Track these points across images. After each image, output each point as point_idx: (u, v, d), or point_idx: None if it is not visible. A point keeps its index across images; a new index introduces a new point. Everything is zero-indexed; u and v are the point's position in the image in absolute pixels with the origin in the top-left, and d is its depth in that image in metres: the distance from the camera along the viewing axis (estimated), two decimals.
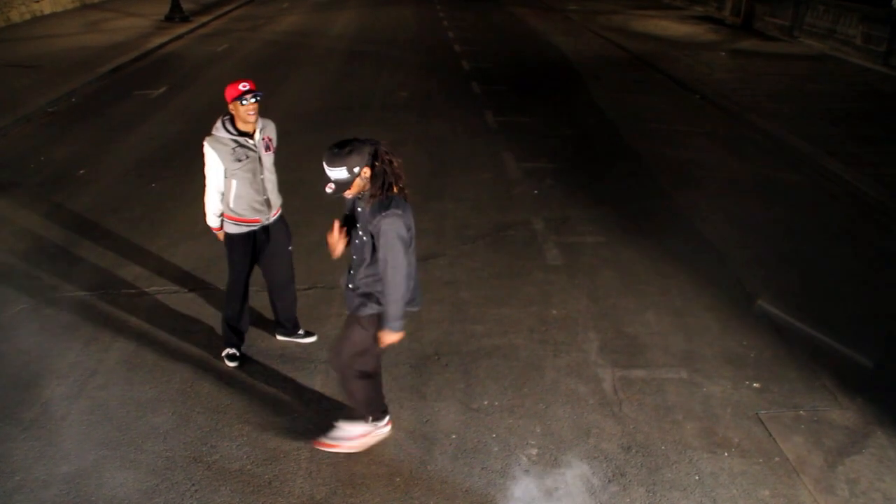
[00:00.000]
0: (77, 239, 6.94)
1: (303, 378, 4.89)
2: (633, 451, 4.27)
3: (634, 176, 8.95)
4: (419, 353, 5.19)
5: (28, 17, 20.56)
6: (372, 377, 4.14)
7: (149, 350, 5.19)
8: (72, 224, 7.31)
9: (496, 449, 4.28)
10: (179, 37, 18.94)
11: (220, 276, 6.20)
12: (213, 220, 4.84)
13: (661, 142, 10.32)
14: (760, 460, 4.23)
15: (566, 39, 19.24)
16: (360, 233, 3.76)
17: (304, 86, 13.73)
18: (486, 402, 4.69)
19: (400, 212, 3.58)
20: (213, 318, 5.59)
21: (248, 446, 4.27)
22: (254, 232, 4.79)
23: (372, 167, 3.56)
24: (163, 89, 13.27)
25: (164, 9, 20.91)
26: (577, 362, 5.12)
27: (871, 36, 16.41)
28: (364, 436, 4.23)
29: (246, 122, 4.48)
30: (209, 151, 4.52)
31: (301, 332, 5.32)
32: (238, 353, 5.06)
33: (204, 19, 21.66)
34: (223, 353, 5.07)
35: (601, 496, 3.94)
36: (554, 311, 5.78)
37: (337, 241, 3.80)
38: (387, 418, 4.33)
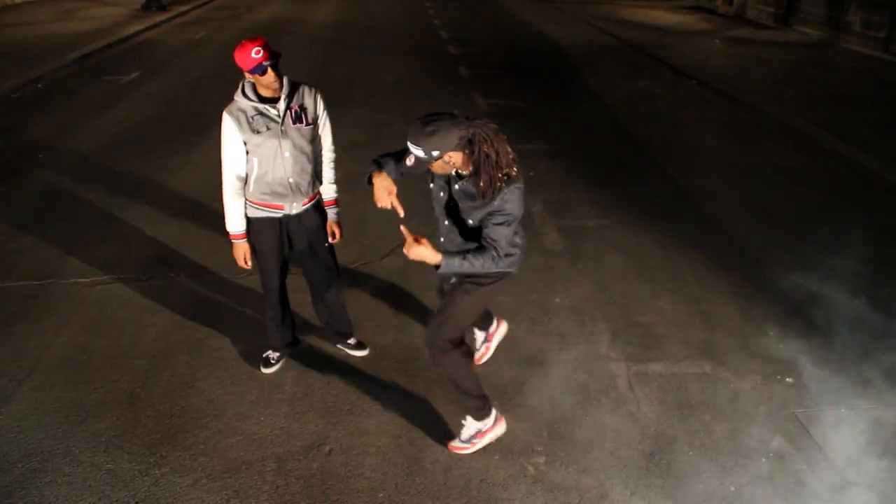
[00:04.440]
0: (28, 225, 6.26)
1: (271, 377, 4.25)
2: (657, 457, 3.67)
3: (636, 159, 8.38)
4: (406, 346, 4.56)
5: None
6: (470, 354, 3.70)
7: (97, 346, 4.54)
8: (23, 209, 6.64)
9: (497, 457, 3.65)
10: (155, 25, 18.25)
11: (184, 264, 5.60)
12: (232, 224, 3.84)
13: (661, 125, 9.76)
14: (804, 466, 3.63)
15: (556, 28, 18.69)
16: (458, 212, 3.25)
17: (284, 71, 13.05)
18: None
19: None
20: (173, 308, 4.95)
21: (205, 456, 3.62)
22: (280, 220, 3.90)
23: (470, 153, 3.01)
24: (135, 75, 12.58)
25: None
26: (586, 356, 4.51)
27: (871, 22, 15.94)
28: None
29: (269, 88, 3.65)
30: (226, 122, 3.66)
31: (351, 341, 4.49)
32: (274, 360, 4.32)
33: (182, 8, 20.96)
34: (263, 355, 4.37)
35: None
36: (557, 300, 5.17)
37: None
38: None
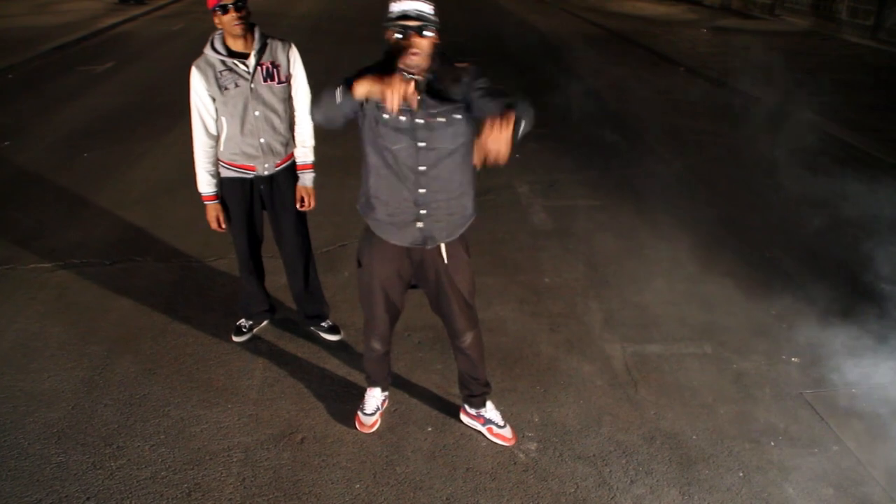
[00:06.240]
0: None
1: (241, 361, 3.94)
2: (658, 442, 3.39)
3: (626, 141, 8.11)
4: None
5: None
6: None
7: (54, 332, 4.21)
8: None
9: (484, 444, 3.36)
10: (133, 18, 17.88)
11: (151, 248, 5.28)
12: (202, 184, 3.61)
13: (651, 109, 9.51)
14: (815, 450, 3.37)
15: (541, 19, 18.45)
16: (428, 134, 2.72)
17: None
18: None
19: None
20: (137, 293, 4.63)
21: (165, 447, 3.31)
22: (251, 181, 3.66)
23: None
24: (109, 65, 12.22)
25: None
26: (578, 337, 4.23)
27: (858, 10, 15.79)
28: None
29: (234, 36, 3.39)
30: (193, 76, 3.43)
31: (325, 324, 4.15)
32: (245, 328, 4.11)
33: (161, 2, 20.56)
34: (236, 323, 4.15)
35: (623, 501, 3.05)
36: (546, 280, 4.89)
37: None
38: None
